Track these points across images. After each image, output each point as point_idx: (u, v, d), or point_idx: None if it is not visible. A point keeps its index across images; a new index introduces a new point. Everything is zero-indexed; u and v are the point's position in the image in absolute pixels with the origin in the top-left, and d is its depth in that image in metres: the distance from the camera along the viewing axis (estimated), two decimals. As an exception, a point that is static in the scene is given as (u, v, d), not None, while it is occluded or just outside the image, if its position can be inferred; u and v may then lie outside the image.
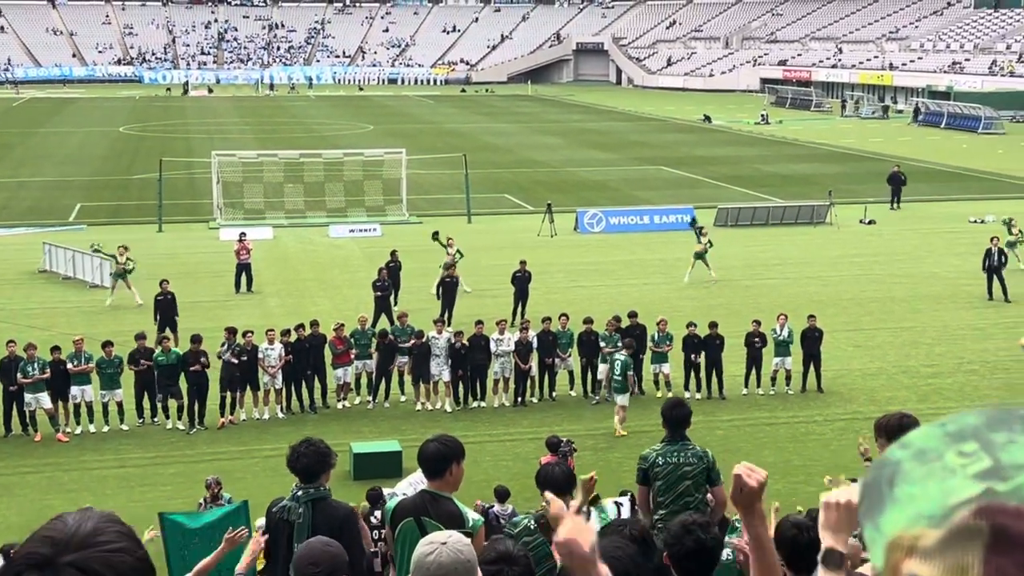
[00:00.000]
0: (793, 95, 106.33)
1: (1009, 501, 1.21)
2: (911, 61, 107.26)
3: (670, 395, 23.54)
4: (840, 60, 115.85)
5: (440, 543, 4.16)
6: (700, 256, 33.68)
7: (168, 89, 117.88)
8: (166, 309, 27.09)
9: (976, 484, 1.29)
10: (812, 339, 24.34)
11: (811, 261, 37.25)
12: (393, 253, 30.89)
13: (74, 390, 21.92)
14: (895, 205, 47.37)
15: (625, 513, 14.90)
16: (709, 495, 9.41)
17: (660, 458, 9.36)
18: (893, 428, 6.94)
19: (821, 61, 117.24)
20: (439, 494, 6.58)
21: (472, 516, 6.62)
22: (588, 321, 24.24)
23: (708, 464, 9.44)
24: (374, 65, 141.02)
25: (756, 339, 24.18)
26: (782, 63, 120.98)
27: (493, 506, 14.87)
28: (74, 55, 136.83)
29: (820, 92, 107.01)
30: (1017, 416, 1.39)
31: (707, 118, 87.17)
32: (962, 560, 1.22)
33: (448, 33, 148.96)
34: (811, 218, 43.92)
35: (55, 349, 22.13)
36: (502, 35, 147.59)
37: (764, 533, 3.92)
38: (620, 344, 22.96)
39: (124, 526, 1.95)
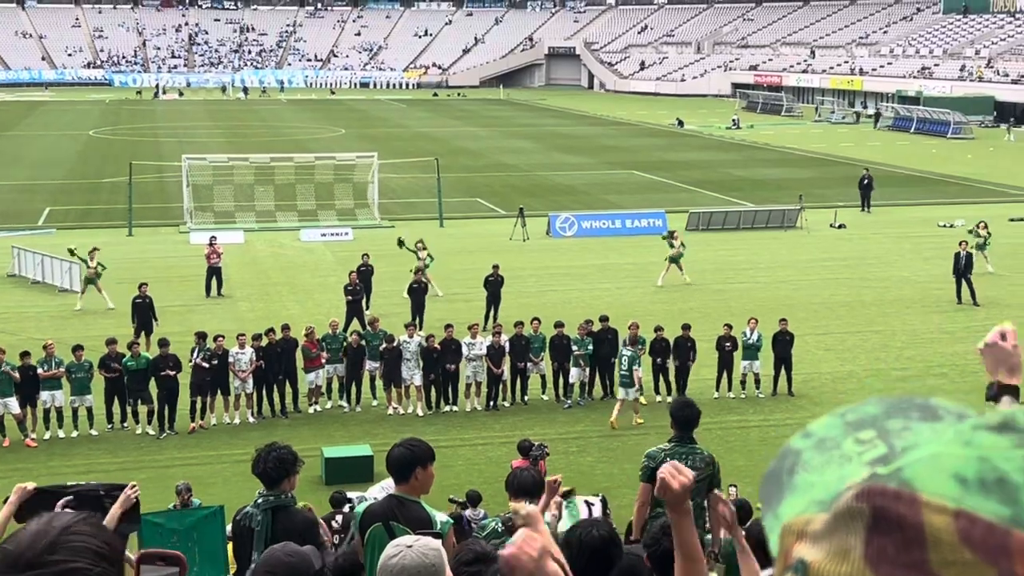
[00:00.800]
0: (764, 100, 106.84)
1: (889, 483, 1.23)
2: (881, 66, 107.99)
3: (642, 399, 23.62)
4: (811, 65, 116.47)
5: (406, 546, 4.15)
6: (675, 260, 33.78)
7: (139, 92, 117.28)
8: (143, 313, 26.97)
9: (869, 470, 1.32)
10: (783, 343, 24.43)
11: (782, 265, 37.42)
12: (364, 257, 30.83)
13: (44, 395, 21.76)
14: (865, 209, 47.70)
15: (596, 513, 14.93)
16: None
17: (668, 458, 9.29)
18: None
19: (792, 66, 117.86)
20: (407, 498, 6.56)
21: (440, 518, 6.61)
22: (560, 325, 24.25)
23: (715, 470, 9.45)
24: (346, 69, 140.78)
25: (727, 343, 24.25)
26: (753, 68, 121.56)
27: (466, 510, 14.86)
28: (43, 58, 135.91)
29: (791, 97, 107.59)
30: (915, 404, 1.44)
31: (680, 122, 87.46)
32: (845, 542, 1.24)
33: (420, 37, 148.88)
34: (782, 222, 44.13)
35: (24, 354, 21.95)
36: (475, 39, 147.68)
37: (691, 537, 3.93)
38: (625, 344, 23.04)
39: (94, 538, 1.88)
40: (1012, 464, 1.23)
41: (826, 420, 1.45)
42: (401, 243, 31.91)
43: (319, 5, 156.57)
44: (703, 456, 9.37)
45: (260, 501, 7.31)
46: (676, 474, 3.70)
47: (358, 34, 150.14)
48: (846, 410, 1.45)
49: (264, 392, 23.07)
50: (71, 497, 6.16)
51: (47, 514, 1.95)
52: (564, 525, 8.87)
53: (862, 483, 1.26)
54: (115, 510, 6.07)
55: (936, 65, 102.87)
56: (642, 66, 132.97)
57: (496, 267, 29.76)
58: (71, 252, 31.84)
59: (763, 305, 30.27)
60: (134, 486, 6.20)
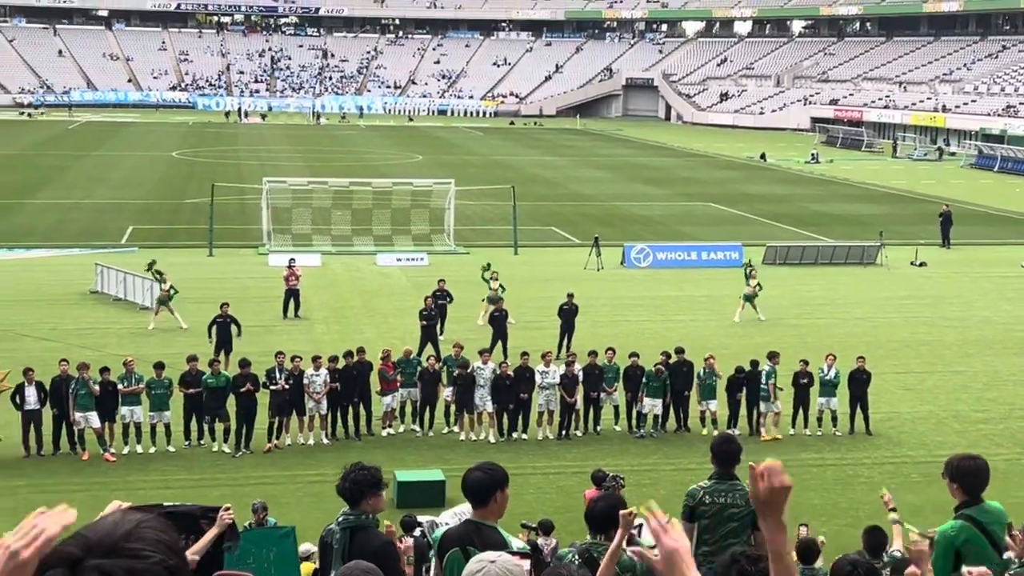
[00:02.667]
0: (844, 135, 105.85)
1: None
2: (964, 104, 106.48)
3: (716, 433, 23.44)
4: (892, 101, 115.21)
5: (489, 561, 4.15)
6: (749, 299, 33.47)
7: (227, 114, 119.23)
8: (224, 332, 27.36)
9: None
10: (860, 381, 24.06)
11: (860, 302, 36.93)
12: (440, 282, 31.00)
13: (123, 410, 22.12)
14: (946, 245, 47.06)
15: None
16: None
17: (707, 496, 9.11)
18: (953, 469, 6.83)
19: (873, 101, 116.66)
20: (484, 523, 6.54)
21: (516, 544, 6.58)
22: (634, 355, 24.15)
23: (752, 509, 9.25)
24: (424, 96, 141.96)
25: (803, 379, 23.98)
26: (833, 102, 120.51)
27: (538, 537, 14.80)
28: (129, 80, 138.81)
29: (871, 132, 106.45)
30: None
31: (763, 156, 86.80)
32: None
33: (499, 66, 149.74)
34: (861, 258, 43.59)
35: (104, 369, 22.34)
36: (555, 67, 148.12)
37: (784, 549, 3.65)
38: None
39: (165, 534, 1.92)
40: None
41: None
42: (487, 268, 32.09)
43: (400, 33, 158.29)
44: (743, 493, 9.08)
45: (341, 520, 7.35)
46: (775, 473, 3.52)
47: (437, 62, 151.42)
48: None
49: (339, 414, 23.21)
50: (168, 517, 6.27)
51: (119, 511, 2.00)
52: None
53: None
54: (213, 531, 6.20)
55: (1022, 103, 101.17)
56: (722, 98, 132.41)
57: (571, 296, 29.75)
58: (151, 267, 32.05)
59: (841, 342, 29.86)
60: (228, 508, 6.30)
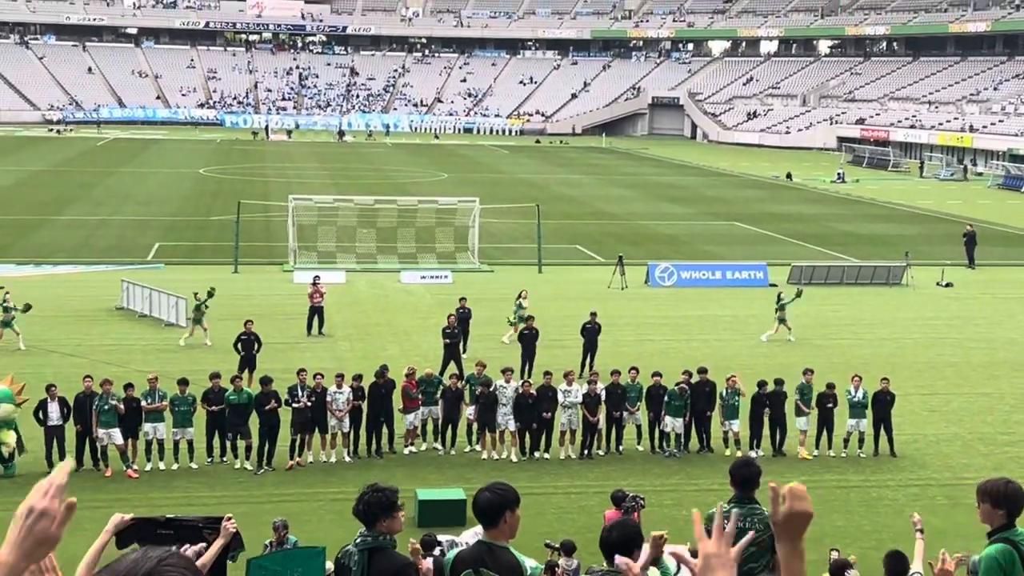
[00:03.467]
0: (870, 154, 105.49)
1: None
2: (992, 124, 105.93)
3: (739, 453, 23.35)
4: (919, 120, 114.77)
5: None
6: (783, 321, 33.31)
7: (255, 133, 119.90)
8: (248, 348, 27.45)
9: None
10: (883, 402, 23.90)
11: (886, 322, 36.72)
12: (462, 300, 31.02)
13: (147, 427, 22.20)
14: (971, 266, 46.82)
15: (685, 568, 14.67)
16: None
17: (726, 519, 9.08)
18: (998, 494, 6.73)
19: (899, 121, 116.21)
20: (496, 544, 6.51)
21: (530, 564, 6.55)
22: (657, 375, 24.08)
23: (771, 533, 9.15)
24: (451, 114, 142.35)
25: (829, 401, 23.85)
26: (860, 122, 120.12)
27: (560, 558, 14.74)
28: (158, 97, 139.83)
29: (898, 152, 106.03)
30: None
31: (789, 176, 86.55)
32: None
33: (525, 84, 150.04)
34: (887, 279, 43.37)
35: (128, 386, 22.44)
36: (582, 85, 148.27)
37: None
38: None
39: (185, 569, 1.93)
40: None
41: None
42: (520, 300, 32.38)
43: (427, 51, 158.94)
44: (762, 517, 9.00)
45: (359, 541, 7.31)
46: (800, 497, 3.52)
47: (463, 80, 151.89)
48: None
49: (363, 432, 23.22)
50: (170, 531, 6.28)
51: (144, 547, 2.01)
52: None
53: None
54: (220, 541, 6.21)
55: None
56: (749, 117, 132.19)
57: (594, 314, 29.71)
58: (207, 297, 31.89)
59: (866, 362, 29.69)
60: (230, 518, 6.31)
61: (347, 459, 22.86)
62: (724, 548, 3.37)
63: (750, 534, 3.57)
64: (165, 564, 1.92)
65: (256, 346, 27.66)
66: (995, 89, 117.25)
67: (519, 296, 32.70)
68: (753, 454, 23.00)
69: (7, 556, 2.18)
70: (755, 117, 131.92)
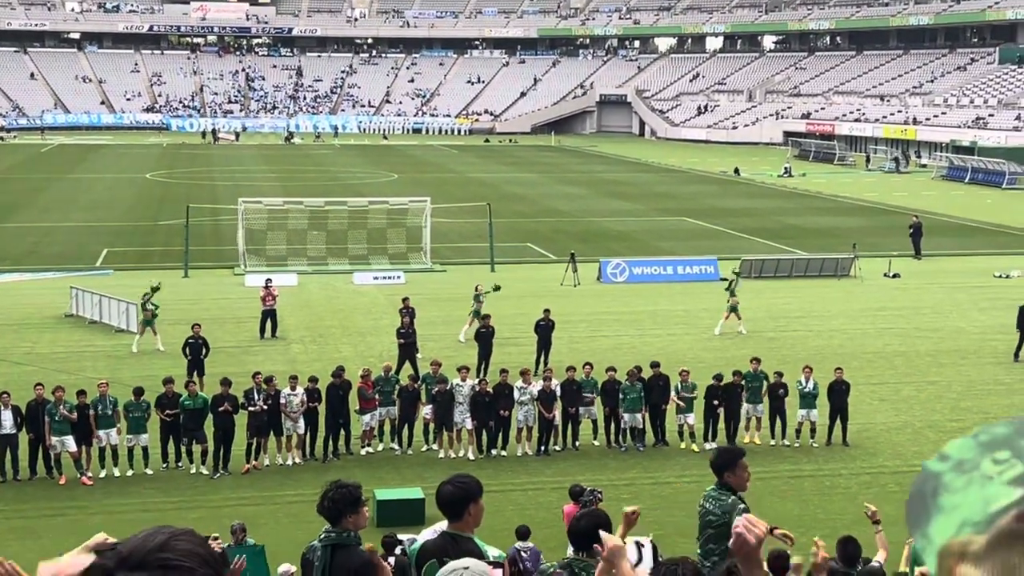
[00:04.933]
0: (816, 148, 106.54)
1: None
2: (935, 116, 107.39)
3: (694, 446, 23.59)
4: (863, 114, 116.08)
5: (463, 567, 4.22)
6: (734, 309, 33.60)
7: (204, 135, 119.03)
8: (196, 353, 27.27)
9: (1013, 490, 1.40)
10: (839, 392, 24.23)
11: (835, 314, 37.15)
12: (405, 300, 30.91)
13: (100, 433, 22.02)
14: (918, 256, 47.49)
15: (647, 555, 14.79)
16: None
17: (702, 500, 9.43)
18: None
19: (844, 115, 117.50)
20: (459, 534, 6.61)
21: (493, 552, 6.65)
22: (611, 370, 24.24)
23: (729, 519, 9.33)
24: (399, 115, 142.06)
25: (780, 390, 24.14)
26: (805, 116, 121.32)
27: (515, 544, 14.84)
28: (103, 102, 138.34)
29: (843, 146, 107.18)
30: None
31: (736, 171, 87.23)
32: (1009, 561, 1.32)
33: (473, 84, 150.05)
34: (835, 271, 43.86)
35: (81, 393, 22.26)
36: (531, 83, 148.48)
37: None
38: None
39: (201, 547, 1.95)
40: None
41: (960, 442, 1.53)
42: (497, 288, 32.44)
43: (373, 52, 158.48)
44: (723, 503, 9.25)
45: (323, 537, 7.39)
46: (751, 527, 3.72)
47: (411, 80, 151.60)
48: (979, 431, 1.52)
49: (318, 433, 23.17)
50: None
51: (157, 526, 2.03)
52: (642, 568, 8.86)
53: (1019, 505, 1.34)
54: None
55: (991, 115, 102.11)
56: (697, 112, 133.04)
57: (547, 312, 29.84)
58: (155, 290, 31.35)
59: (817, 354, 30.06)
60: (216, 538, 6.37)
61: (299, 461, 22.80)
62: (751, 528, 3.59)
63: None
64: (177, 538, 1.95)
65: (204, 350, 27.43)
66: (938, 82, 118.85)
67: (476, 289, 32.74)
68: (708, 446, 23.20)
69: None
70: (702, 113, 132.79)
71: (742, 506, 9.16)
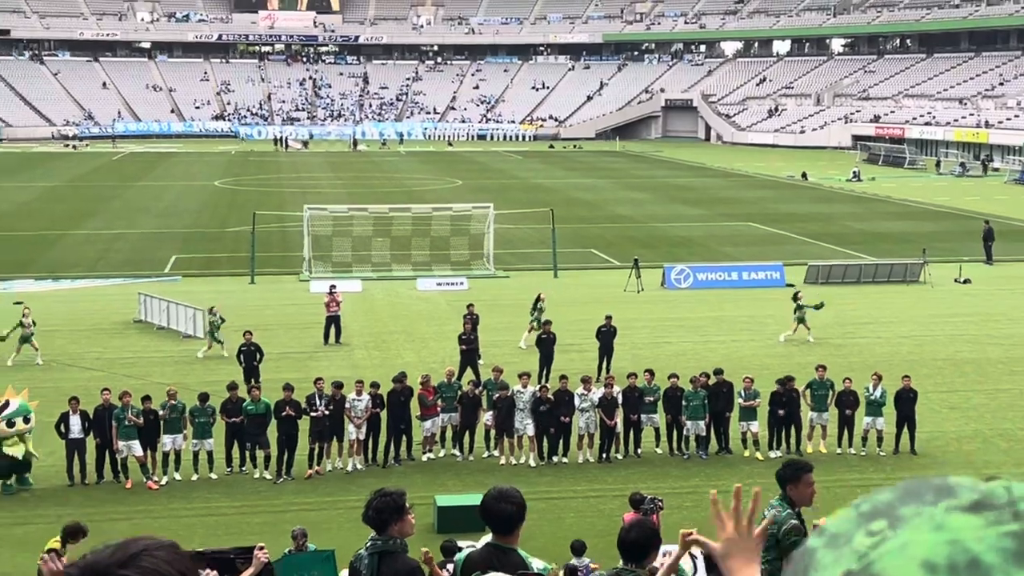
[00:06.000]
0: (886, 152, 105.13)
1: None
2: (1008, 119, 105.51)
3: (758, 454, 23.32)
4: (934, 117, 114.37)
5: None
6: (802, 320, 33.10)
7: (276, 142, 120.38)
8: (250, 359, 27.49)
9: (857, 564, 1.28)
10: (907, 400, 23.81)
11: (904, 320, 36.58)
12: (469, 307, 30.97)
13: (165, 439, 22.27)
14: (989, 261, 46.64)
15: (701, 567, 14.63)
16: None
17: (766, 510, 9.22)
18: None
19: (915, 118, 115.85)
20: (505, 546, 6.58)
21: (538, 564, 6.61)
22: (674, 376, 24.04)
23: (779, 534, 9.12)
24: (464, 121, 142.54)
25: (848, 397, 23.78)
26: (875, 120, 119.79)
27: (571, 560, 14.75)
28: (172, 111, 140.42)
29: (913, 149, 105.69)
30: (930, 486, 1.35)
31: (804, 175, 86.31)
32: None
33: (537, 90, 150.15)
34: (904, 276, 43.21)
35: (147, 398, 22.52)
36: (597, 88, 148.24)
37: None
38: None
39: (167, 564, 1.86)
40: (984, 544, 1.18)
41: (841, 514, 1.39)
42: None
43: (439, 59, 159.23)
44: (778, 516, 9.07)
45: (369, 545, 7.38)
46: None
47: (476, 87, 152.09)
48: (861, 500, 1.39)
49: (381, 439, 23.23)
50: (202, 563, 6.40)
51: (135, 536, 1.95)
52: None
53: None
54: (250, 571, 6.29)
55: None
56: (768, 115, 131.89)
57: (609, 318, 29.67)
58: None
59: (885, 361, 29.58)
60: (262, 547, 6.39)
61: (361, 467, 22.85)
62: (744, 531, 3.36)
63: (768, 519, 3.59)
64: (148, 553, 1.87)
65: (258, 356, 27.63)
66: (1008, 84, 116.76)
67: (537, 299, 32.72)
68: (773, 455, 22.93)
69: None
70: (769, 117, 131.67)
71: (794, 522, 8.99)
